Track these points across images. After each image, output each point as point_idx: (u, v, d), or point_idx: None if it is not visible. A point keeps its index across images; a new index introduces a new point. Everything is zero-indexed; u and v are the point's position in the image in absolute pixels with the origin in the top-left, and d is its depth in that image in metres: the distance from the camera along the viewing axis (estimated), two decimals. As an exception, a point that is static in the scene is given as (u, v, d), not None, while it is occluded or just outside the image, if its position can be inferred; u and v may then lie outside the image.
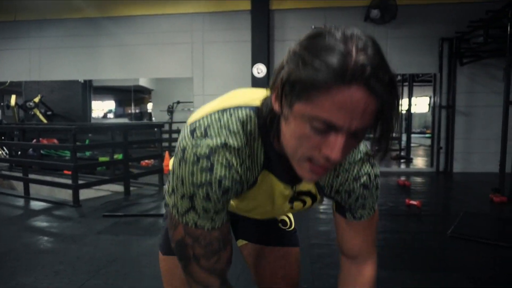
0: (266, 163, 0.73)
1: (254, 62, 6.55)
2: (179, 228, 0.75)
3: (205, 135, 0.67)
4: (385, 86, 0.53)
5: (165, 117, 10.35)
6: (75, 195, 4.16)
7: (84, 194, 5.22)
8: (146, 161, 6.92)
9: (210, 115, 0.70)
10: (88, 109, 10.87)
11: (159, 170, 5.35)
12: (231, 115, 0.69)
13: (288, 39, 6.57)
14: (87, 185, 4.41)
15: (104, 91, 12.18)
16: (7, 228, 3.46)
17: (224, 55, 6.81)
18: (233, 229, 1.12)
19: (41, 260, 2.64)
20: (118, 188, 5.41)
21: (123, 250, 2.88)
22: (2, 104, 11.83)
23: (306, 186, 0.83)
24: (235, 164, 0.68)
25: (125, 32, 7.10)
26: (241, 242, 1.15)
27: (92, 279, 2.33)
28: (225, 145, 0.66)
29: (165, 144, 7.00)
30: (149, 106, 12.82)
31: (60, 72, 7.50)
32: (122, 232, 3.32)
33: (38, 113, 10.41)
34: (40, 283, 2.27)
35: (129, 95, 13.12)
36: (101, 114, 13.23)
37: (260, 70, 6.55)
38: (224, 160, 0.67)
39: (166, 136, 7.41)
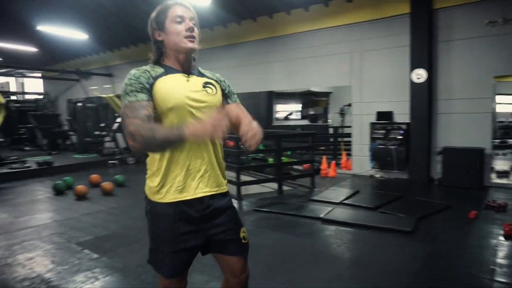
0: (162, 71, 1.50)
1: (413, 67, 6.30)
2: (124, 113, 1.38)
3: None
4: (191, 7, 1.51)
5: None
6: (238, 190, 5.21)
7: (254, 189, 6.29)
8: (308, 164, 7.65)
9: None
10: (272, 113, 12.58)
11: (311, 174, 5.91)
12: (138, 69, 1.49)
13: (456, 39, 6.00)
14: (247, 183, 5.39)
15: (287, 96, 13.76)
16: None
17: (382, 62, 6.78)
18: (217, 248, 1.61)
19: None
20: (272, 185, 6.29)
21: (256, 238, 3.59)
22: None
23: (203, 79, 1.57)
24: (139, 72, 1.46)
25: (290, 48, 8.00)
26: (222, 257, 1.63)
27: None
28: (135, 71, 1.47)
29: (317, 146, 7.44)
30: (324, 108, 13.80)
31: (243, 86, 9.07)
32: (264, 226, 4.06)
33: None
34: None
35: (309, 98, 14.43)
36: (286, 117, 14.97)
37: (419, 75, 6.23)
38: (135, 71, 1.46)
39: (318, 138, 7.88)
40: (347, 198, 5.10)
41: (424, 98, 6.25)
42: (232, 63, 9.06)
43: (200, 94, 1.50)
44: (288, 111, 15.37)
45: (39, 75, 14.77)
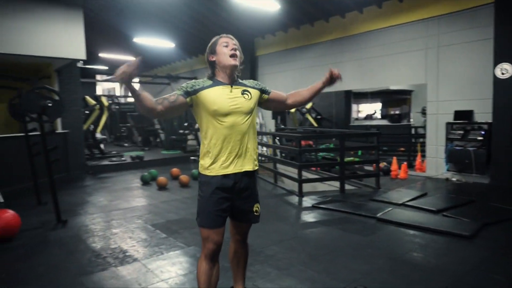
0: (213, 83, 2.02)
1: (497, 62, 5.77)
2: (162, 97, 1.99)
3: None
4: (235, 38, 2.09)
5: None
6: (300, 187, 5.42)
7: (320, 187, 6.44)
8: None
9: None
10: (350, 113, 12.41)
11: (376, 174, 5.83)
12: (194, 80, 2.09)
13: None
14: (307, 181, 5.56)
15: (366, 95, 13.41)
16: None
17: (461, 58, 6.33)
18: (233, 217, 2.15)
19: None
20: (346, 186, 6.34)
21: (306, 231, 3.78)
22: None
23: (242, 88, 2.07)
24: (193, 81, 2.04)
25: (362, 47, 7.89)
26: (234, 223, 2.20)
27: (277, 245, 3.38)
28: (192, 81, 2.06)
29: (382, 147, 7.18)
30: (406, 108, 13.12)
31: (313, 86, 9.21)
32: (317, 221, 4.23)
33: (309, 117, 12.67)
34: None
35: (389, 97, 13.86)
36: (367, 116, 14.60)
37: (505, 70, 5.69)
38: (192, 81, 2.05)
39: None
40: (410, 200, 4.94)
41: (509, 96, 5.68)
42: (305, 64, 9.24)
43: (238, 100, 2.03)
44: (367, 111, 14.97)
45: (137, 80, 16.72)
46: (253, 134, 2.09)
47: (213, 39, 2.10)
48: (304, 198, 5.33)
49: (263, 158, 8.30)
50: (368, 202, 5.01)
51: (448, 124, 6.47)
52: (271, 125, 10.42)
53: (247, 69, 10.55)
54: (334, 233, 3.78)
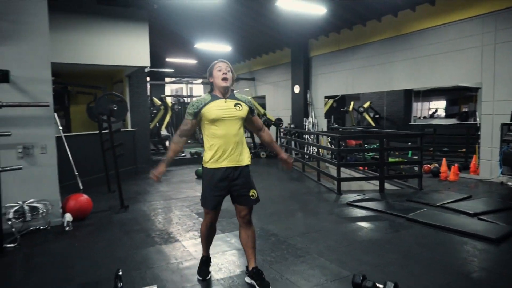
0: (210, 98, 2.60)
1: (559, 59, 5.39)
2: (182, 124, 2.67)
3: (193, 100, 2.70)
4: (229, 63, 2.66)
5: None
6: (338, 185, 5.64)
7: (366, 186, 6.55)
8: (428, 165, 7.33)
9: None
10: (410, 111, 12.03)
11: (418, 175, 5.81)
12: (201, 95, 2.69)
13: None
14: (346, 179, 5.75)
15: (430, 92, 12.82)
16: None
17: (519, 55, 5.98)
18: (235, 199, 2.67)
19: (296, 227, 4.32)
20: (386, 185, 6.41)
21: (333, 225, 4.06)
22: (342, 109, 15.09)
23: (234, 101, 2.62)
24: (197, 100, 2.62)
25: (415, 46, 7.74)
26: (235, 205, 2.72)
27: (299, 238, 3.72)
28: (197, 98, 2.64)
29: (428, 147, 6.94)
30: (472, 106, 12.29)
31: (365, 86, 9.20)
32: (347, 217, 4.46)
33: (367, 116, 12.54)
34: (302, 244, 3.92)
35: (457, 94, 13.07)
36: (430, 115, 13.97)
37: None
38: (195, 100, 2.62)
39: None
40: (450, 202, 4.90)
41: None
42: (357, 64, 9.26)
43: (231, 110, 2.60)
44: (431, 109, 14.23)
45: (200, 81, 17.87)
46: (242, 137, 2.67)
47: (211, 64, 2.68)
48: (342, 196, 5.54)
49: (306, 157, 8.54)
50: (404, 202, 5.07)
51: (503, 125, 6.15)
52: (323, 124, 10.58)
53: (301, 70, 10.83)
54: (358, 229, 4.00)
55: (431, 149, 9.20)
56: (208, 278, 2.86)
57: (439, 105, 14.28)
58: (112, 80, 9.69)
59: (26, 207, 3.84)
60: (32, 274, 3.09)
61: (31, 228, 4.07)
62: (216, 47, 10.81)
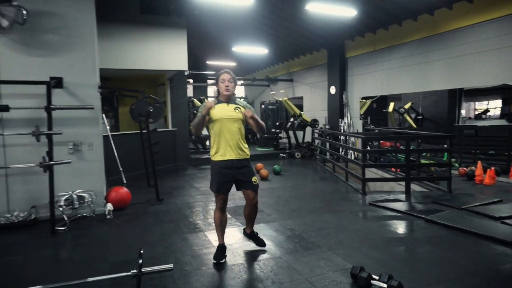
0: (217, 103, 3.21)
1: None
2: (195, 117, 3.23)
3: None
4: (232, 73, 3.24)
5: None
6: (363, 185, 5.74)
7: (398, 187, 6.55)
8: (464, 168, 7.13)
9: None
10: (456, 112, 11.60)
11: (447, 178, 5.73)
12: (204, 103, 3.47)
13: None
14: (371, 180, 5.81)
15: (480, 92, 12.22)
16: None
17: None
18: (240, 185, 3.27)
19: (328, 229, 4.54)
20: (415, 187, 6.38)
21: (350, 223, 4.22)
22: (384, 110, 14.78)
23: (234, 106, 3.21)
24: (204, 104, 3.17)
25: (452, 45, 7.55)
26: (243, 190, 3.31)
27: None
28: (206, 102, 3.29)
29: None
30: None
31: (401, 87, 9.08)
32: (366, 216, 4.59)
33: (408, 117, 12.26)
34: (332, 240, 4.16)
35: (509, 94, 12.33)
36: (479, 116, 13.31)
37: None
38: (204, 103, 3.27)
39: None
40: (476, 206, 4.83)
41: None
42: (393, 65, 9.17)
43: (232, 113, 3.18)
44: (478, 109, 13.51)
45: (240, 83, 18.35)
46: (242, 135, 3.23)
47: (218, 74, 3.26)
48: (367, 196, 5.63)
49: (335, 157, 8.60)
50: (428, 204, 5.07)
51: (544, 127, 5.87)
52: (359, 125, 10.55)
53: (337, 71, 10.87)
54: (373, 227, 4.13)
55: (473, 151, 8.87)
56: (222, 262, 3.19)
57: (489, 105, 13.57)
58: (156, 83, 10.41)
59: (74, 196, 4.42)
60: (77, 252, 3.61)
61: (79, 215, 4.66)
62: (253, 50, 11.17)
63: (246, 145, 3.28)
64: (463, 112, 13.31)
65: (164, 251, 3.51)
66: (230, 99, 3.22)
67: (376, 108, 12.41)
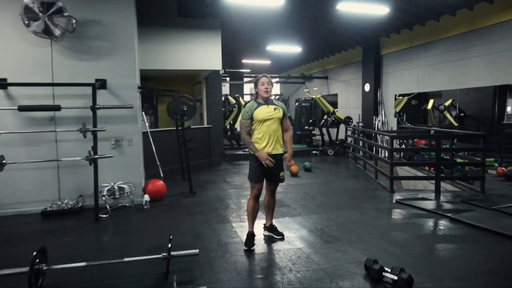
0: (257, 105, 3.52)
1: None
2: (242, 126, 3.59)
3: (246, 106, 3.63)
4: (269, 77, 3.56)
5: None
6: (391, 183, 5.77)
7: (431, 186, 6.48)
8: (503, 168, 6.89)
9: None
10: (503, 109, 11.09)
11: (481, 177, 5.61)
12: (250, 101, 3.71)
13: None
14: (399, 178, 5.81)
15: None
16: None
17: None
18: (269, 177, 3.61)
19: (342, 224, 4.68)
20: (447, 186, 6.29)
21: (372, 219, 4.32)
22: (422, 107, 14.33)
23: (274, 106, 3.57)
24: (248, 108, 3.54)
25: (492, 40, 7.28)
26: (268, 182, 3.68)
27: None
28: (247, 106, 3.58)
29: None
30: None
31: (438, 84, 8.86)
32: (389, 213, 4.65)
33: (448, 115, 11.86)
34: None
35: None
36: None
37: None
38: (247, 108, 3.56)
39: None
40: (508, 207, 4.72)
41: None
42: (428, 62, 8.96)
43: (272, 113, 3.52)
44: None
45: (275, 80, 18.52)
46: (280, 132, 3.58)
47: (257, 78, 3.59)
48: (395, 194, 5.65)
49: (366, 155, 8.56)
50: (457, 203, 5.02)
51: None
52: (393, 123, 10.39)
53: (372, 68, 10.77)
54: (396, 225, 4.20)
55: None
56: (252, 248, 3.51)
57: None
58: (193, 81, 10.88)
59: (116, 187, 4.87)
60: (117, 237, 4.03)
61: (120, 204, 5.12)
62: (287, 48, 11.31)
63: (281, 141, 3.62)
64: (508, 109, 12.67)
65: (193, 239, 3.82)
66: (268, 100, 3.54)
67: (416, 105, 12.11)
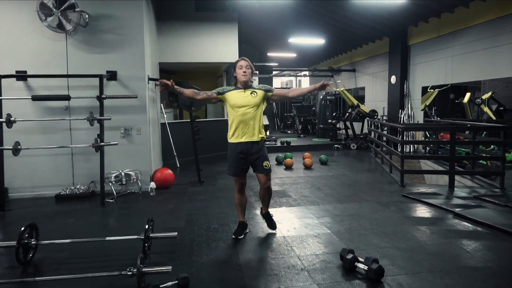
0: (234, 88, 3.35)
1: None
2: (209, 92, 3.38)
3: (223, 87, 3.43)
4: (249, 61, 3.36)
5: None
6: (401, 177, 5.57)
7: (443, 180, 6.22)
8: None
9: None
10: None
11: (500, 173, 5.27)
12: (227, 85, 3.70)
13: None
14: (411, 172, 5.58)
15: None
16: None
17: None
18: (254, 169, 3.38)
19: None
20: (466, 181, 5.98)
21: (373, 213, 4.21)
22: (457, 101, 13.56)
23: (251, 90, 3.31)
24: (224, 87, 3.41)
25: (523, 27, 6.75)
26: (256, 174, 3.40)
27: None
28: (224, 86, 3.48)
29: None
30: None
31: (467, 75, 8.34)
32: (390, 207, 4.51)
33: (486, 109, 11.17)
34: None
35: None
36: None
37: None
38: (223, 87, 3.41)
39: None
40: (525, 203, 4.41)
41: None
42: (457, 51, 8.46)
43: (247, 99, 3.28)
44: None
45: (302, 74, 18.32)
46: (258, 118, 3.31)
47: (235, 61, 3.39)
48: (405, 188, 5.45)
49: (383, 148, 8.25)
50: (469, 199, 4.75)
51: None
52: (419, 117, 9.95)
53: (398, 59, 10.35)
54: (393, 218, 4.05)
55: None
56: (240, 237, 3.48)
57: None
58: (216, 74, 11.04)
59: (123, 174, 5.11)
60: (117, 219, 4.25)
61: (128, 191, 5.36)
62: (311, 40, 11.16)
63: (262, 130, 3.37)
64: None
65: (184, 224, 3.94)
66: (247, 85, 3.30)
67: (454, 99, 11.50)
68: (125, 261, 2.97)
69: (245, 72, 3.28)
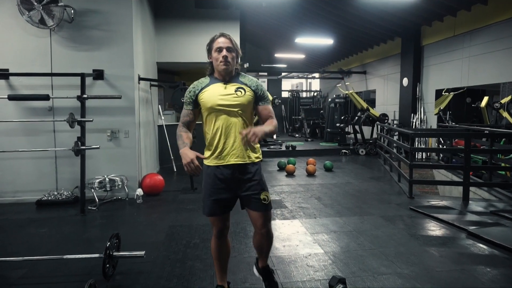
0: (209, 82, 2.15)
1: None
2: (181, 115, 2.21)
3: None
4: (231, 37, 2.12)
5: None
6: (410, 187, 5.09)
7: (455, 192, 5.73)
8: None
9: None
10: None
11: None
12: (192, 85, 2.22)
13: None
14: (420, 182, 5.09)
15: None
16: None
17: None
18: (244, 204, 2.16)
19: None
20: (483, 193, 5.46)
21: (379, 227, 3.76)
22: (474, 105, 12.88)
23: (236, 85, 2.12)
24: (193, 85, 2.19)
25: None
26: (248, 212, 2.18)
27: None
28: (193, 83, 2.21)
29: None
30: None
31: (484, 77, 7.78)
32: (395, 221, 4.05)
33: (505, 114, 10.53)
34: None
35: None
36: None
37: None
38: (192, 85, 2.20)
39: None
40: (548, 221, 3.89)
41: None
42: (475, 51, 7.90)
43: (230, 97, 2.08)
44: None
45: (317, 75, 17.84)
46: (247, 127, 2.11)
47: (210, 39, 2.17)
48: (414, 200, 4.97)
49: (392, 155, 7.73)
50: (485, 215, 4.25)
51: None
52: (433, 121, 9.39)
53: (411, 61, 9.82)
54: (400, 238, 3.59)
55: None
56: None
57: None
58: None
59: (107, 179, 4.77)
60: (96, 231, 3.90)
61: (114, 198, 5.03)
62: (319, 41, 10.72)
63: (256, 144, 2.15)
64: None
65: (163, 238, 3.56)
66: (229, 75, 2.14)
67: (471, 103, 10.90)
68: (85, 283, 2.61)
69: (225, 56, 2.07)
